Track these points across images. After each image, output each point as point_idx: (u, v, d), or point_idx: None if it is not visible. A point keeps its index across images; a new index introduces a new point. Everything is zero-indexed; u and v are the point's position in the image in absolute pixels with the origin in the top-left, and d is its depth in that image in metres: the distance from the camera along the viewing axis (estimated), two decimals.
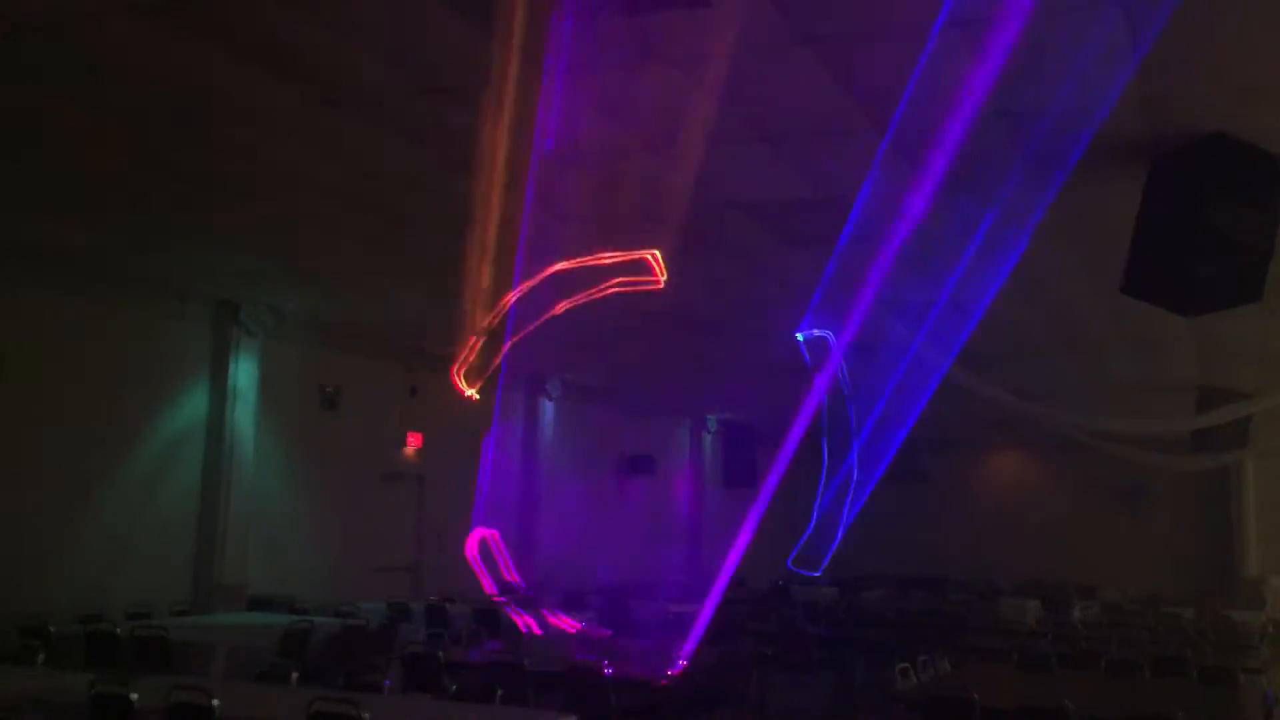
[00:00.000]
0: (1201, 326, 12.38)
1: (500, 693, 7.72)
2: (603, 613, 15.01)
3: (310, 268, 12.50)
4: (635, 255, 8.76)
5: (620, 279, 9.26)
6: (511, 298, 9.33)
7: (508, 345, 10.00)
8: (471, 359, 9.69)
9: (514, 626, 12.72)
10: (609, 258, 8.89)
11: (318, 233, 10.97)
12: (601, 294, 9.32)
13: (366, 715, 6.01)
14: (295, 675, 7.89)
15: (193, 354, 13.58)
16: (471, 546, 12.27)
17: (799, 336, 12.09)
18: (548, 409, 19.71)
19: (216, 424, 13.61)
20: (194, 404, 13.56)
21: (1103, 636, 13.50)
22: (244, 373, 13.83)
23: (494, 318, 9.35)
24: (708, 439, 25.70)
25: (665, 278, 9.15)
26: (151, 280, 12.81)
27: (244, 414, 13.81)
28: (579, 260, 9.05)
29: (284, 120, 7.83)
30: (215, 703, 6.30)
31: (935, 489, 27.84)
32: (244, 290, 13.51)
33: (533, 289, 9.40)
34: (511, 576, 13.08)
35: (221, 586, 13.26)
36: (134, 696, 6.51)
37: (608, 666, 8.29)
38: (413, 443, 16.77)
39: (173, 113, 7.70)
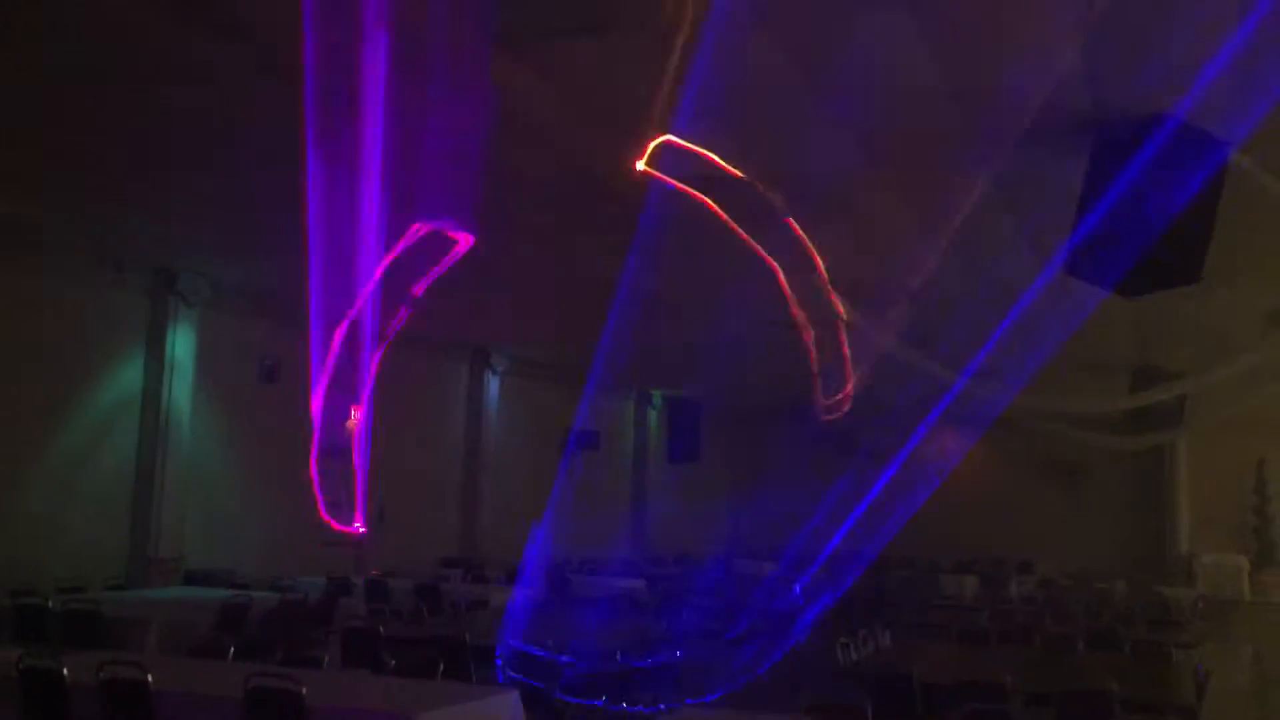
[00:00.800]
0: (1138, 306, 12.54)
1: (441, 667, 7.66)
2: (546, 588, 14.99)
3: (251, 236, 12.27)
4: None
5: None
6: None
7: None
8: None
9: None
10: None
11: (259, 200, 10.76)
12: None
13: (305, 690, 5.92)
14: (232, 650, 7.77)
15: (128, 325, 13.31)
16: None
17: None
18: (492, 383, 19.60)
19: (153, 395, 13.37)
20: (129, 376, 13.30)
21: (1038, 612, 13.73)
22: (181, 344, 13.58)
23: None
24: (653, 415, 25.73)
25: None
26: (85, 248, 12.50)
27: (181, 386, 13.57)
28: None
29: (230, 85, 7.64)
30: (149, 677, 6.18)
31: (879, 466, 28.14)
32: (182, 259, 13.24)
33: None
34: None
35: (157, 560, 13.05)
36: (65, 671, 6.37)
37: None
38: (356, 416, 16.57)
39: (114, 74, 7.49)
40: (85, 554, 12.40)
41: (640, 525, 25.05)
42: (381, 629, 9.18)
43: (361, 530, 10.92)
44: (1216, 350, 15.63)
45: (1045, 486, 26.31)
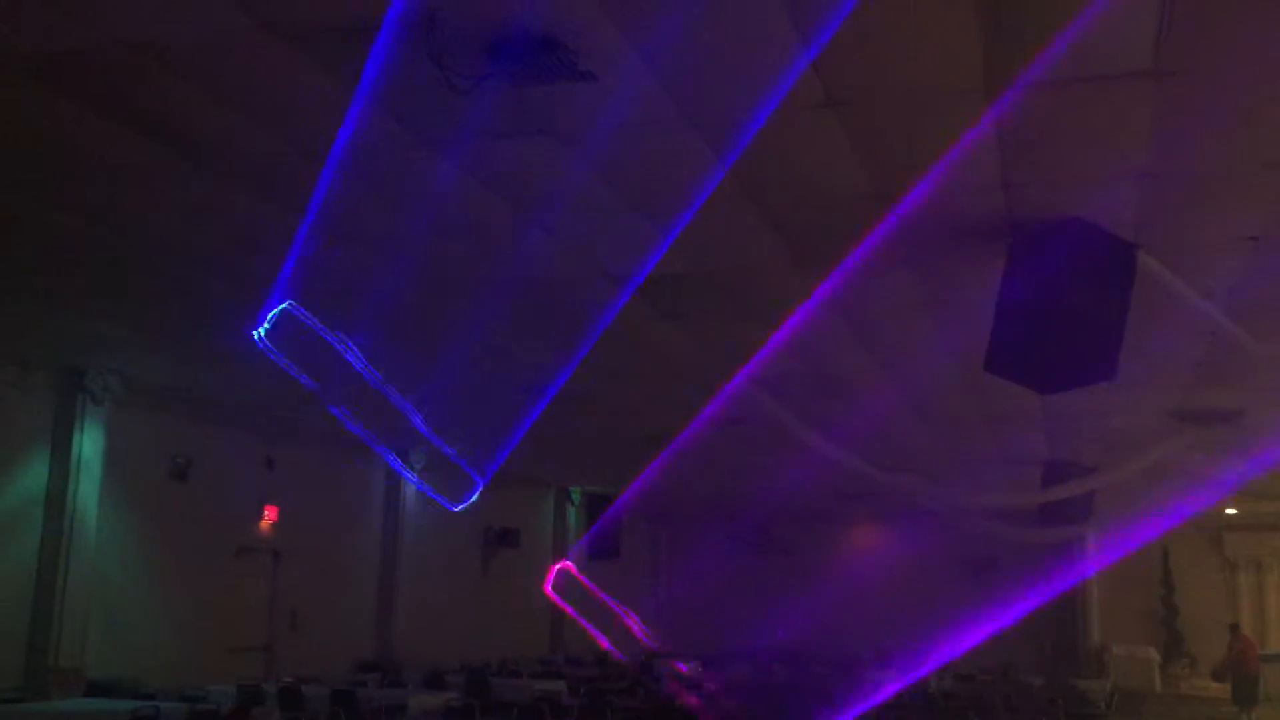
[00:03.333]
0: (1051, 403, 12.88)
1: None
2: (464, 691, 14.62)
3: (162, 332, 12.02)
4: None
5: None
6: None
7: None
8: None
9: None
10: None
11: (171, 295, 10.56)
12: None
13: None
14: None
15: (32, 423, 12.85)
16: None
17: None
18: (410, 479, 19.30)
19: (57, 497, 12.87)
20: (33, 476, 12.81)
21: (961, 708, 13.76)
22: (89, 443, 13.14)
23: None
24: (571, 511, 25.56)
25: None
26: None
27: (88, 486, 13.10)
28: None
29: (140, 179, 7.53)
30: None
31: (796, 562, 28.24)
32: (91, 356, 12.89)
33: None
34: None
35: (57, 671, 12.43)
36: None
37: None
38: (269, 516, 16.18)
39: (21, 168, 7.35)
40: None
41: (559, 625, 24.67)
42: None
43: None
44: (1124, 446, 16.09)
45: (960, 580, 26.55)
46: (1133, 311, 7.69)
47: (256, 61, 5.81)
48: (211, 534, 15.18)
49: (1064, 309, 7.62)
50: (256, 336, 9.18)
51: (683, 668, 18.25)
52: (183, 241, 8.89)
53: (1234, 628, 20.43)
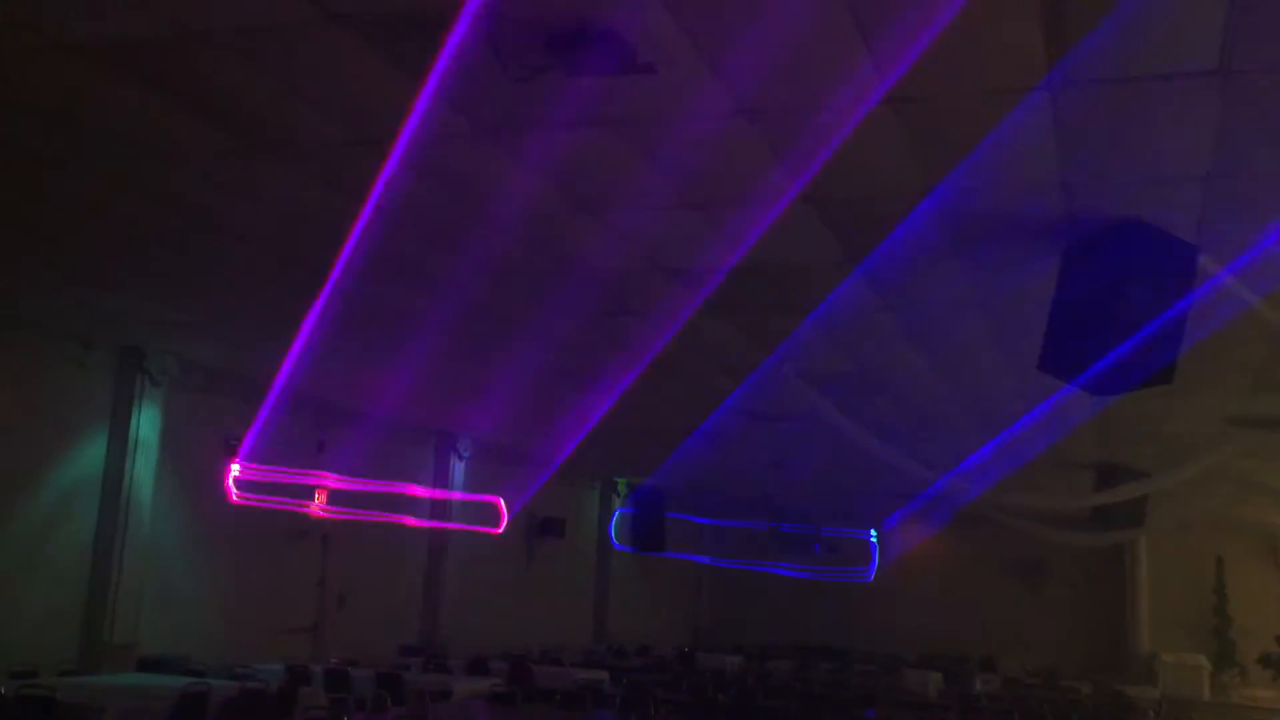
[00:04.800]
0: (1105, 405, 12.71)
1: None
2: (507, 678, 14.73)
3: (222, 316, 12.21)
4: None
5: None
6: None
7: None
8: None
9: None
10: None
11: (231, 280, 10.72)
12: None
13: None
14: None
15: (92, 402, 13.10)
16: None
17: None
18: (458, 468, 19.46)
19: (114, 476, 13.11)
20: (91, 454, 13.06)
21: (1005, 710, 13.65)
22: (146, 423, 13.38)
23: None
24: (617, 503, 25.65)
25: None
26: (51, 324, 12.38)
27: (144, 466, 13.34)
28: None
29: (203, 164, 7.64)
30: None
31: (842, 560, 28.17)
32: (151, 337, 13.12)
33: None
34: None
35: (111, 646, 12.68)
36: None
37: None
38: (319, 499, 16.37)
39: (88, 153, 7.48)
40: (39, 638, 12.05)
41: (602, 615, 24.79)
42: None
43: None
44: (1178, 451, 15.86)
45: (1007, 583, 26.36)
46: (1191, 315, 7.59)
47: (324, 51, 5.87)
48: (262, 516, 15.38)
49: (1121, 311, 7.53)
50: None
51: None
52: (247, 229, 9.03)
53: None
